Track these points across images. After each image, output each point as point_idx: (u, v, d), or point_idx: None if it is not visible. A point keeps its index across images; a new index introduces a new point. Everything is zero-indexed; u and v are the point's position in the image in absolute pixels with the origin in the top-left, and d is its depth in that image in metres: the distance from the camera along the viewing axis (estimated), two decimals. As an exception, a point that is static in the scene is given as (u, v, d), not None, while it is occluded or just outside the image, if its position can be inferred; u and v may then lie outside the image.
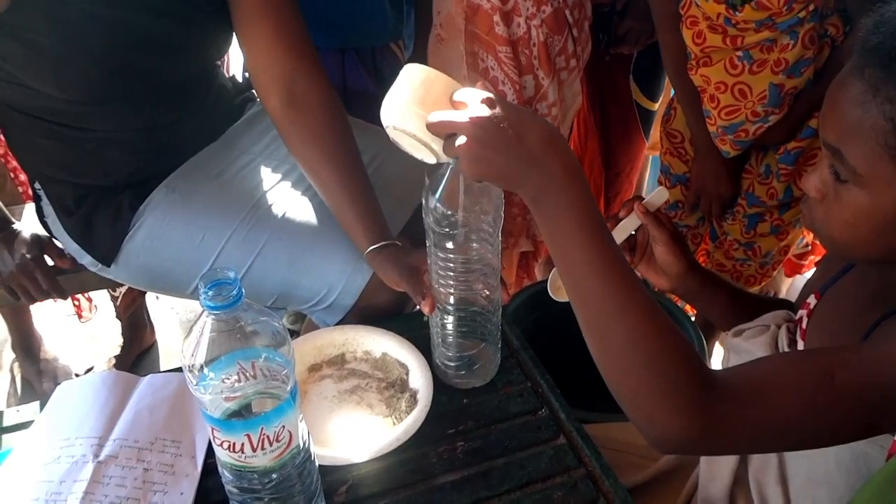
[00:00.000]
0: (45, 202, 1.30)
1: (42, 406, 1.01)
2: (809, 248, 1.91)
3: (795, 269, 1.96)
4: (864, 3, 0.72)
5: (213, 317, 0.68)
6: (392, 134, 0.78)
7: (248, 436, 0.72)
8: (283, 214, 1.25)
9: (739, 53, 1.41)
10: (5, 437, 1.00)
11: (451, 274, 0.94)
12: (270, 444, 0.74)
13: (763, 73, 1.40)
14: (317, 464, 0.84)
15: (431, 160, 0.79)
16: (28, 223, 1.38)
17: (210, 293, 0.67)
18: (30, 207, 1.64)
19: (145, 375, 1.05)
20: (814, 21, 1.33)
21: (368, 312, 1.21)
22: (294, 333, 1.23)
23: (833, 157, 0.71)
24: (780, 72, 1.39)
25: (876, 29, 0.67)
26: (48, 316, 2.30)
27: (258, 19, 1.16)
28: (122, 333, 2.15)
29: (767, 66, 1.39)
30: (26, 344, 2.03)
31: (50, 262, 1.37)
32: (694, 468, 1.01)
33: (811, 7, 1.31)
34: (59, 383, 1.07)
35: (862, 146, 0.67)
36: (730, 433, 0.66)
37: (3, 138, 1.58)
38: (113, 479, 0.90)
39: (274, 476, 0.77)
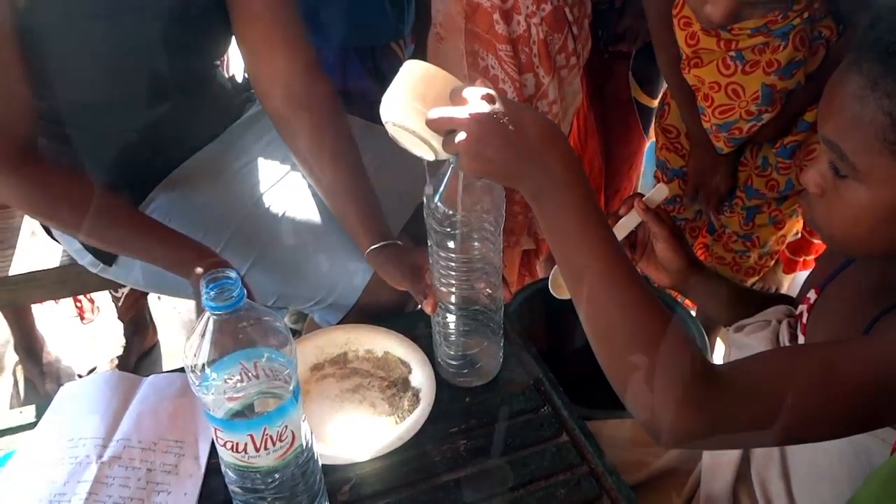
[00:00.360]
0: None
1: (44, 407, 1.01)
2: (800, 235, 1.92)
3: (791, 267, 1.97)
4: (856, 3, 0.72)
5: (215, 317, 0.69)
6: (391, 130, 0.78)
7: (251, 436, 0.73)
8: (284, 213, 1.25)
9: (732, 54, 1.42)
10: (8, 439, 1.00)
11: (453, 273, 0.94)
12: (273, 444, 0.74)
13: (755, 73, 1.41)
14: (320, 463, 0.84)
15: (431, 157, 0.79)
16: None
17: (212, 293, 0.67)
18: None
19: (148, 376, 1.06)
20: (805, 24, 1.34)
21: (370, 311, 1.21)
22: (296, 333, 1.23)
23: (832, 152, 0.71)
24: (773, 72, 1.40)
25: (873, 24, 0.67)
26: (50, 317, 2.31)
27: (256, 19, 1.16)
28: (124, 334, 2.15)
29: (760, 66, 1.40)
30: (29, 345, 2.03)
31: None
32: (697, 465, 1.01)
33: (805, 15, 1.32)
34: (61, 384, 1.07)
35: (861, 141, 0.67)
36: (732, 428, 0.66)
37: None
38: (116, 479, 0.90)
39: (277, 476, 0.77)
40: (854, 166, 0.69)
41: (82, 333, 2.28)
